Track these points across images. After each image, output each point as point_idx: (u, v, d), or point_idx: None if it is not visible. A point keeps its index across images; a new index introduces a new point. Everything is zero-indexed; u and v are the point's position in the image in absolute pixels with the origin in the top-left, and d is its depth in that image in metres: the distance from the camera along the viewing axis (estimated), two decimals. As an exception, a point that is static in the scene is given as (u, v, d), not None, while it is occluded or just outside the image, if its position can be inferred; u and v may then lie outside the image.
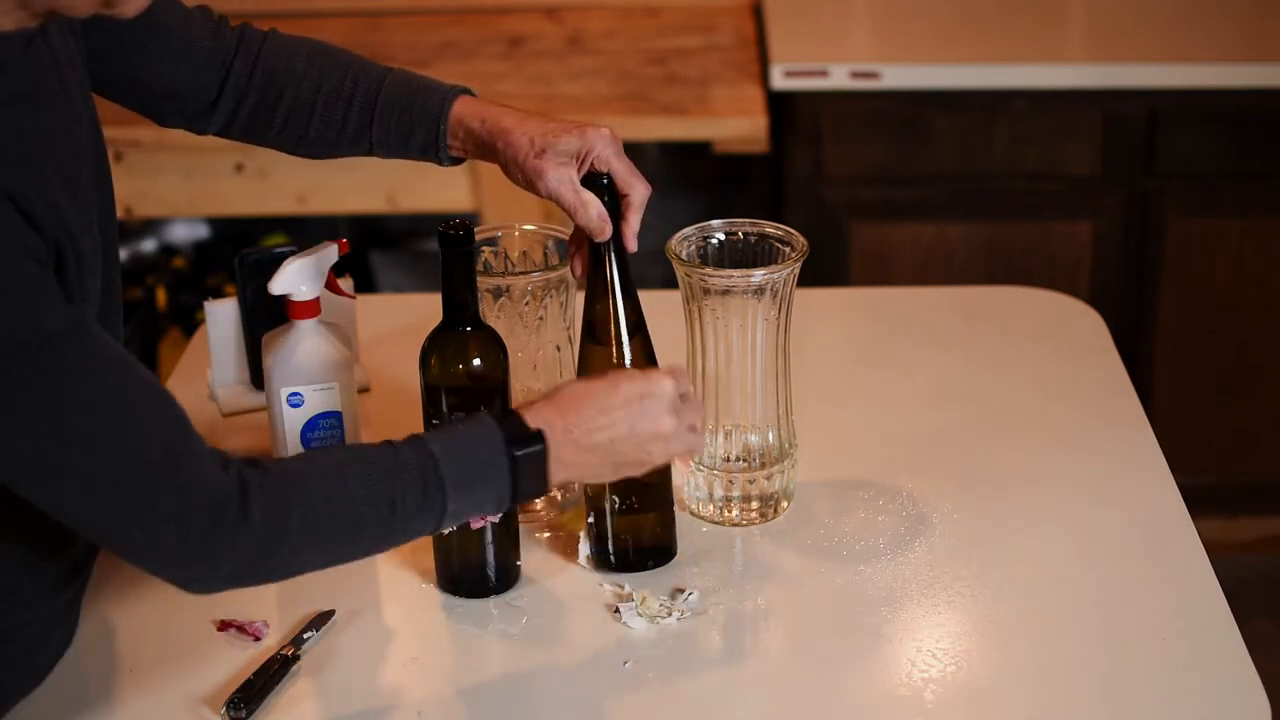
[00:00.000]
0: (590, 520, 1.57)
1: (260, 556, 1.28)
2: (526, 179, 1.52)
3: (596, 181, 1.50)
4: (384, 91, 1.58)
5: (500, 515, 1.49)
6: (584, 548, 1.58)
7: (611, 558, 1.57)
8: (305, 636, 1.47)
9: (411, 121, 1.57)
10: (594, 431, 1.37)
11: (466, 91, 1.59)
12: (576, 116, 2.79)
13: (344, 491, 1.30)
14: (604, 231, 1.50)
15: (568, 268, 1.64)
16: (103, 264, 1.38)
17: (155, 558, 1.27)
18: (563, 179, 1.50)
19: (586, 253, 1.54)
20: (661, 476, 1.56)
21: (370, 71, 1.59)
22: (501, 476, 1.34)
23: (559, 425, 1.36)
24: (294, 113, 1.59)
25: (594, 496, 1.56)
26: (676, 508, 1.61)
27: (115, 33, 1.49)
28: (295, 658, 1.45)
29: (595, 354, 1.53)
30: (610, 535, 1.56)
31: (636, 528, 1.57)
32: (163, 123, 1.62)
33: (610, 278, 1.51)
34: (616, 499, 1.54)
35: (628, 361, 1.52)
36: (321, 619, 1.50)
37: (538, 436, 1.36)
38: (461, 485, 1.33)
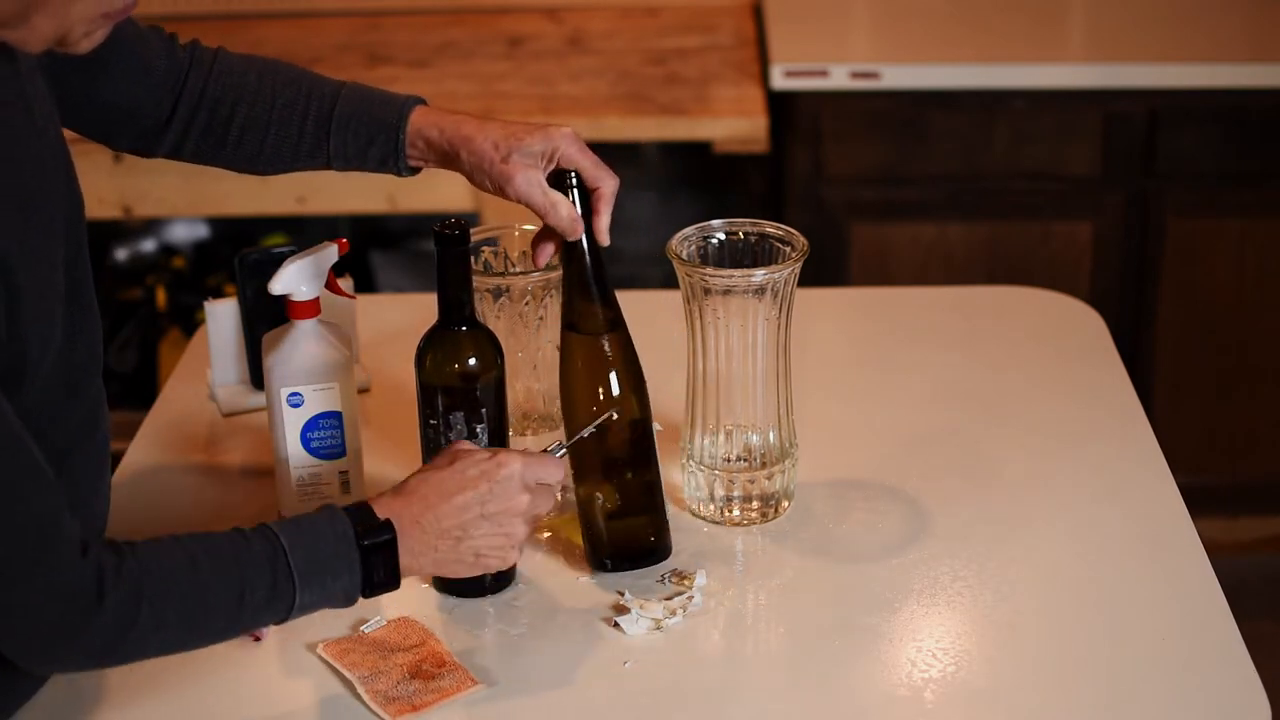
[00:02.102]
0: (583, 526, 1.57)
1: (109, 643, 1.28)
2: (494, 184, 1.51)
3: (563, 180, 1.51)
4: (340, 104, 1.57)
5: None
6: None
7: (606, 561, 1.57)
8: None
9: (370, 132, 1.56)
10: (443, 518, 1.38)
11: (421, 101, 1.58)
12: (577, 117, 2.81)
13: (195, 581, 1.30)
14: (576, 230, 1.50)
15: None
16: (68, 280, 1.36)
17: (10, 642, 1.27)
18: (531, 181, 1.50)
19: (551, 245, 1.54)
20: (650, 478, 1.55)
21: (324, 85, 1.58)
22: (351, 568, 1.34)
23: (407, 515, 1.37)
24: (248, 129, 1.57)
25: (583, 502, 1.56)
26: (676, 507, 1.62)
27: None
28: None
29: (575, 344, 1.53)
30: (603, 539, 1.56)
31: (627, 530, 1.56)
32: (114, 145, 1.60)
33: (585, 273, 1.51)
34: (603, 502, 1.54)
35: (607, 354, 1.52)
36: None
37: (386, 526, 1.36)
38: (310, 577, 1.33)
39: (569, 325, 1.53)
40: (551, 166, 1.51)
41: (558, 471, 1.44)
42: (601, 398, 1.52)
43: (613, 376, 1.52)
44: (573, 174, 1.51)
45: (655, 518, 1.57)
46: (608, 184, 1.52)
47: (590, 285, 1.51)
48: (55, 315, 1.33)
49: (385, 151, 1.56)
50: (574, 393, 1.53)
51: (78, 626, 1.26)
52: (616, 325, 1.53)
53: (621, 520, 1.56)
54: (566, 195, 1.50)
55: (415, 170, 1.58)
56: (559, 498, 1.46)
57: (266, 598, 1.32)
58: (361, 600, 1.36)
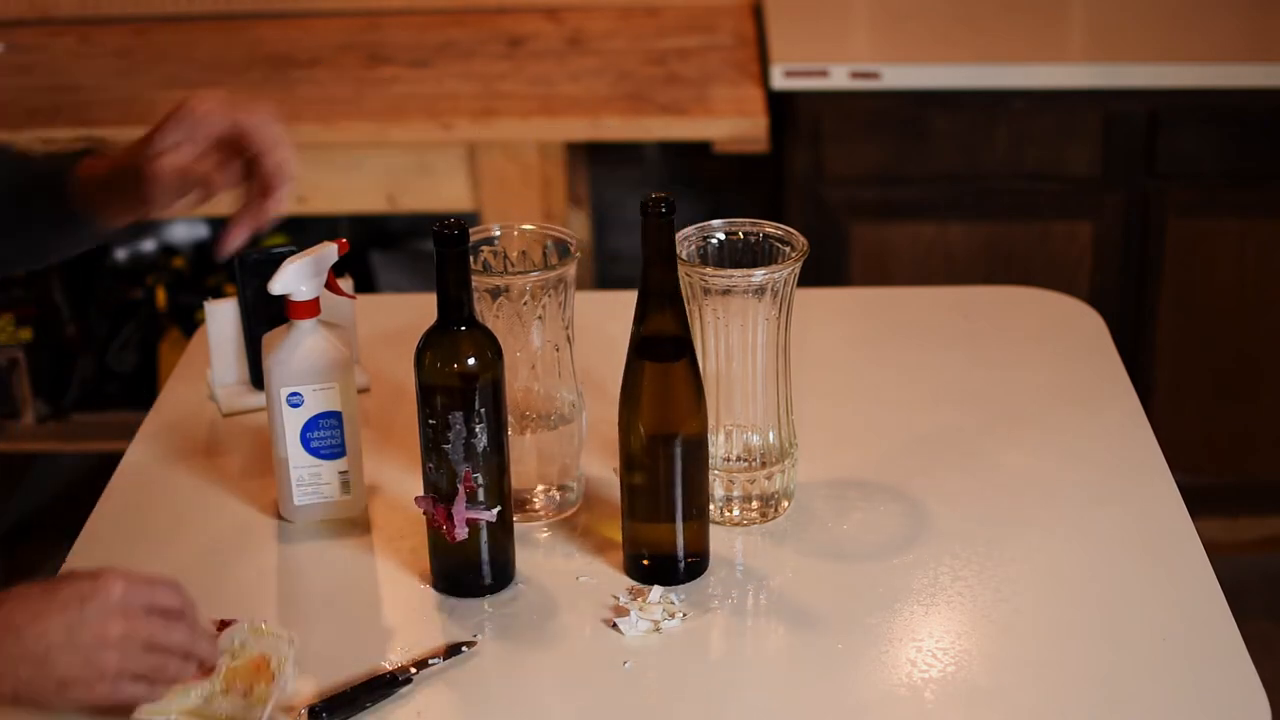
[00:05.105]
0: (622, 530, 1.56)
1: None
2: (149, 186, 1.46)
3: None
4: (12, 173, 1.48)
5: (496, 512, 1.50)
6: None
7: (645, 566, 1.55)
8: (431, 663, 1.45)
9: (30, 187, 1.48)
10: (27, 640, 1.23)
11: (90, 152, 1.49)
12: (577, 117, 2.81)
13: None
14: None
15: (567, 267, 1.64)
16: None
17: None
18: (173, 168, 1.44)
19: (238, 231, 1.52)
20: (694, 486, 1.54)
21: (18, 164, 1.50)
22: None
23: None
24: None
25: (630, 509, 1.55)
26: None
27: None
28: (408, 680, 1.42)
29: (648, 371, 1.50)
30: (642, 545, 1.55)
31: (671, 540, 1.55)
32: None
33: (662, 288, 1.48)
34: (650, 511, 1.54)
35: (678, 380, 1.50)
36: (454, 649, 1.47)
37: None
38: None
39: (641, 354, 1.50)
40: (209, 139, 1.44)
41: (174, 598, 1.29)
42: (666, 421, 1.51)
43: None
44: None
45: (699, 526, 1.56)
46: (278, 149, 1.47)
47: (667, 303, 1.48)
48: None
49: (51, 202, 1.47)
50: (638, 419, 1.51)
51: None
52: (686, 348, 1.50)
53: (660, 526, 1.54)
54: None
55: (104, 234, 1.48)
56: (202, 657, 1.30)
57: None
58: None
